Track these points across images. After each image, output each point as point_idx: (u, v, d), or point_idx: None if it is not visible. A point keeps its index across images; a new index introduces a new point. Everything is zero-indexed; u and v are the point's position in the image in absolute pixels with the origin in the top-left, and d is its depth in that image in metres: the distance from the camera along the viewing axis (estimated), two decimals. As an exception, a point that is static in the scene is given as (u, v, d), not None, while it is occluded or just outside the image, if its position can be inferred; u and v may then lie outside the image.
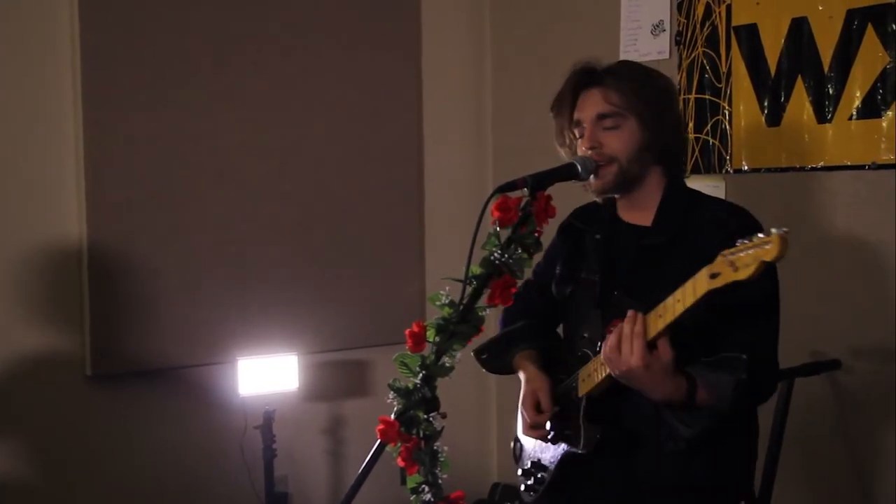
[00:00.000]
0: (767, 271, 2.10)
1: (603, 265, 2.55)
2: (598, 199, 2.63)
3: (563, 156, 2.57)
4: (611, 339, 2.25)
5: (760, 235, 1.95)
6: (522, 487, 2.68)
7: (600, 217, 2.63)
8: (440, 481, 2.12)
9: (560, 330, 2.78)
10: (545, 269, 2.78)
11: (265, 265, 4.12)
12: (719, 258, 2.04)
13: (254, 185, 4.10)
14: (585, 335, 2.50)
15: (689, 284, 2.11)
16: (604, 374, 2.35)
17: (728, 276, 2.01)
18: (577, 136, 2.53)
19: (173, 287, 3.91)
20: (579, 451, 2.43)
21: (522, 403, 2.59)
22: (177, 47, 3.92)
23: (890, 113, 3.26)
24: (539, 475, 2.62)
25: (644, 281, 2.43)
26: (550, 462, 2.59)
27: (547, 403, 2.53)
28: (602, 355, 2.29)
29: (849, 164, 3.39)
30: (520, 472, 2.71)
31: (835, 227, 3.46)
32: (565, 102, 2.55)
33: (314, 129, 4.26)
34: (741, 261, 1.98)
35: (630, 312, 2.23)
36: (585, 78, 2.53)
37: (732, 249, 2.01)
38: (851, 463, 3.45)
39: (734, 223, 2.39)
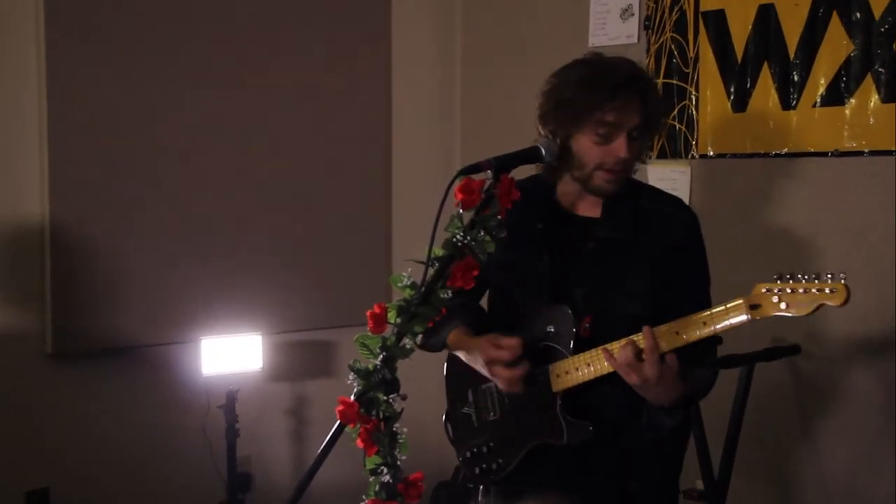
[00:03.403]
0: (700, 236, 2.52)
1: (552, 257, 2.55)
2: (531, 176, 2.61)
3: (557, 133, 2.50)
4: (626, 352, 2.28)
5: (829, 282, 2.08)
6: (476, 471, 2.67)
7: (532, 201, 2.52)
8: (399, 462, 2.12)
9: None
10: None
11: (230, 244, 4.11)
12: (760, 291, 2.14)
13: (219, 165, 4.08)
14: (551, 329, 2.49)
15: (720, 310, 2.20)
16: (589, 375, 2.39)
17: (771, 310, 2.12)
18: (600, 135, 2.45)
19: (136, 266, 3.89)
20: (563, 443, 2.46)
21: (485, 353, 2.50)
22: (142, 28, 3.89)
23: (853, 100, 3.28)
24: (499, 461, 2.61)
25: (604, 276, 2.47)
26: (509, 450, 2.59)
27: (509, 339, 2.47)
28: (615, 366, 2.32)
29: (812, 151, 3.41)
30: (468, 454, 2.69)
31: (798, 213, 3.49)
32: (610, 101, 2.43)
33: (281, 110, 4.24)
34: (796, 299, 2.10)
35: (645, 328, 2.28)
36: (632, 83, 2.46)
37: (778, 286, 2.12)
38: (810, 447, 3.48)
39: (684, 219, 2.55)
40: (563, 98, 2.49)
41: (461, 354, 2.65)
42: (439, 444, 4.72)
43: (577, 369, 2.42)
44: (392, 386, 2.11)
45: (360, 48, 4.47)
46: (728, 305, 2.19)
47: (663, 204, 2.57)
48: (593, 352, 2.39)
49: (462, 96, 4.80)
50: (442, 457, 4.69)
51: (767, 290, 2.14)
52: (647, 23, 3.90)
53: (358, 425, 2.09)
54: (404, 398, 2.14)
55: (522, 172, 2.35)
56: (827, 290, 2.07)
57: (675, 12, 3.79)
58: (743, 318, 2.16)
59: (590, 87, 2.46)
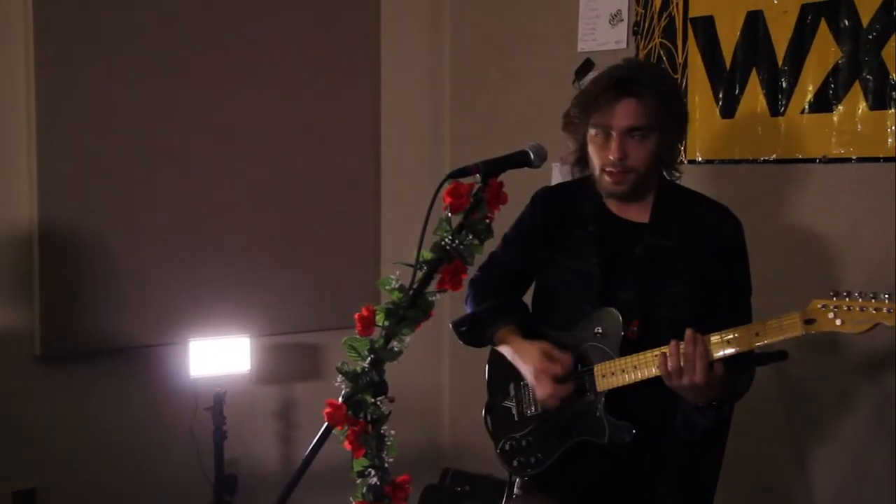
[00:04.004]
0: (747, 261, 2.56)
1: (602, 260, 2.59)
2: (579, 179, 2.70)
3: (571, 144, 2.66)
4: (674, 359, 2.35)
5: (886, 298, 2.11)
6: (515, 464, 2.71)
7: (582, 204, 2.68)
8: (387, 465, 2.12)
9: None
10: (515, 239, 2.82)
11: (218, 246, 4.10)
12: (817, 306, 2.19)
13: (208, 167, 4.08)
14: (599, 330, 2.54)
15: (773, 323, 2.24)
16: (636, 378, 2.45)
17: (826, 326, 2.17)
18: (598, 138, 2.55)
19: (125, 267, 3.88)
20: (603, 442, 2.51)
21: (537, 364, 2.58)
22: (131, 27, 3.88)
23: (841, 107, 3.30)
24: (538, 455, 2.65)
25: (651, 281, 2.53)
26: (548, 446, 2.64)
27: (567, 359, 2.57)
28: (660, 370, 2.38)
29: (800, 157, 3.43)
30: (507, 446, 2.73)
31: (786, 219, 3.50)
32: (595, 104, 2.54)
33: (270, 111, 4.24)
34: (852, 316, 2.14)
35: (689, 332, 2.34)
36: (623, 86, 2.52)
37: (835, 302, 2.16)
38: (796, 452, 3.49)
39: (728, 228, 2.59)
40: (570, 108, 2.63)
41: (506, 351, 2.72)
42: (428, 450, 4.77)
43: (624, 371, 2.48)
44: (380, 388, 2.12)
45: (350, 52, 4.47)
46: (783, 320, 2.23)
47: (709, 211, 2.62)
48: (640, 355, 2.45)
49: (451, 100, 4.80)
50: (430, 461, 4.72)
51: (823, 307, 2.19)
52: (636, 28, 3.91)
53: (346, 427, 2.10)
54: (392, 400, 2.15)
55: (520, 176, 2.37)
56: (885, 310, 2.10)
57: (663, 18, 3.80)
58: (797, 332, 2.21)
59: (584, 93, 2.60)
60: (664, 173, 2.66)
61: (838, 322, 2.16)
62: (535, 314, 2.79)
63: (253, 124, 4.19)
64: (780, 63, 3.45)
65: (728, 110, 3.61)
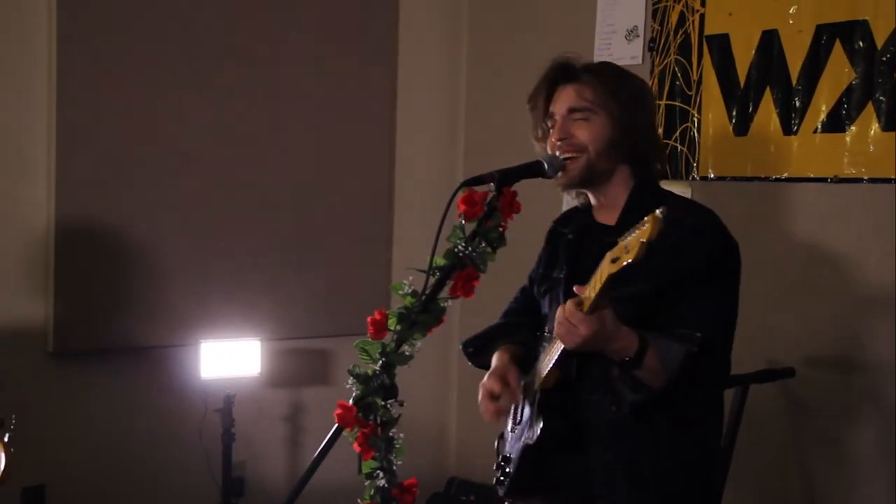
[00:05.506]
0: (723, 256, 2.47)
1: (569, 262, 2.60)
2: (578, 204, 2.69)
3: (538, 150, 2.62)
4: (557, 319, 2.29)
5: (644, 219, 2.04)
6: (494, 480, 2.72)
7: (577, 219, 2.69)
8: (395, 468, 2.15)
9: None
10: (535, 271, 2.84)
11: (232, 249, 4.13)
12: (619, 243, 2.12)
13: (223, 171, 4.11)
14: (547, 332, 2.56)
15: (599, 268, 2.18)
16: (551, 361, 2.41)
17: (622, 260, 2.09)
18: (550, 128, 2.57)
19: (139, 268, 3.92)
20: (531, 444, 2.48)
21: (485, 379, 2.59)
22: (152, 32, 3.92)
23: (854, 128, 3.32)
24: (507, 468, 2.66)
25: None
26: (515, 455, 2.63)
27: (514, 382, 2.55)
28: (556, 335, 2.33)
29: (812, 176, 3.45)
30: (495, 465, 2.74)
31: (796, 238, 3.52)
32: (541, 96, 2.60)
33: (286, 117, 4.27)
34: (629, 245, 2.07)
35: (570, 299, 2.28)
36: (562, 74, 2.58)
37: (626, 234, 2.10)
38: (802, 471, 3.50)
39: (691, 221, 2.47)
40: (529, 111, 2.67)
41: None
42: (435, 458, 4.78)
43: (545, 360, 2.46)
44: (390, 391, 2.15)
45: (367, 60, 4.50)
46: (602, 264, 2.16)
47: (686, 214, 2.52)
48: (554, 340, 2.40)
49: (466, 111, 4.83)
50: (436, 469, 4.73)
51: (620, 241, 2.12)
52: (651, 45, 3.94)
53: (355, 429, 2.13)
54: (402, 404, 2.17)
55: (525, 186, 2.39)
56: (643, 227, 2.04)
57: (679, 35, 3.83)
58: (608, 272, 2.13)
59: (534, 94, 2.65)
60: (641, 172, 2.59)
61: (625, 253, 2.07)
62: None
63: (268, 130, 4.23)
64: (794, 82, 3.47)
65: (741, 128, 3.63)
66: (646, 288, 2.39)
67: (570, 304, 2.26)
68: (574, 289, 2.26)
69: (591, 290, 2.21)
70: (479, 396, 2.59)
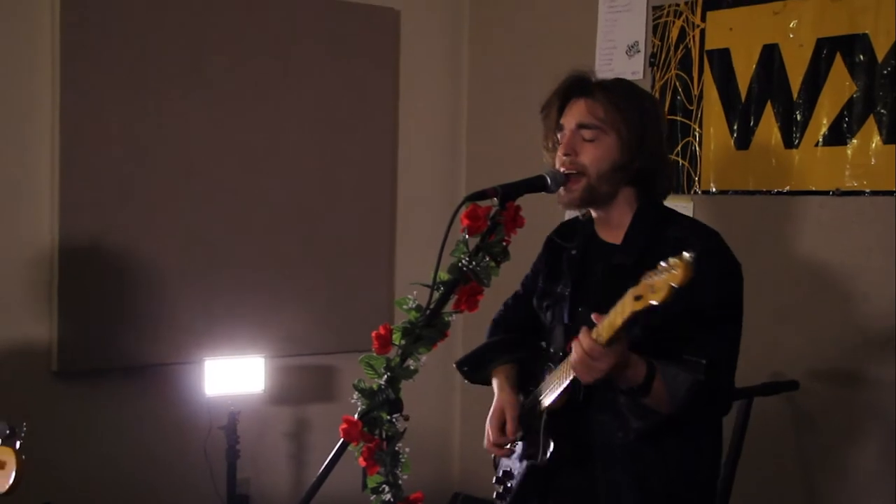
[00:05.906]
0: (728, 282, 2.43)
1: (574, 280, 2.59)
2: (580, 216, 2.68)
3: (546, 159, 2.61)
4: (574, 355, 2.26)
5: (672, 260, 2.02)
6: (494, 495, 2.72)
7: (579, 232, 2.67)
8: (400, 482, 2.15)
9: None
10: (531, 282, 2.82)
11: (235, 267, 4.14)
12: (642, 282, 2.08)
13: (226, 188, 4.13)
14: (551, 349, 2.56)
15: (620, 303, 2.14)
16: (560, 388, 2.39)
17: (647, 299, 2.06)
18: (559, 141, 2.56)
19: (143, 286, 3.93)
20: (543, 463, 2.47)
21: (489, 420, 2.64)
22: (155, 48, 3.95)
23: (855, 141, 3.33)
24: (508, 484, 2.66)
25: (610, 299, 2.45)
26: (517, 472, 2.63)
27: (512, 427, 2.58)
28: (571, 368, 2.30)
29: (814, 189, 3.46)
30: (494, 479, 2.75)
31: (798, 251, 3.52)
32: (554, 107, 2.59)
33: (288, 132, 4.29)
34: (656, 285, 2.04)
35: (584, 328, 2.25)
36: (577, 86, 2.57)
37: (652, 272, 2.07)
38: (806, 483, 3.50)
39: (697, 244, 2.36)
40: (542, 121, 2.66)
41: None
42: (439, 474, 4.77)
43: (552, 383, 2.45)
44: (395, 406, 2.15)
45: (369, 74, 4.52)
46: (623, 300, 2.12)
47: (682, 230, 2.51)
48: (564, 365, 2.39)
49: (468, 126, 4.84)
50: (440, 485, 4.73)
51: (644, 280, 2.09)
52: (652, 59, 3.96)
53: (361, 444, 2.13)
54: (407, 418, 2.17)
55: (526, 199, 2.39)
56: (673, 272, 2.02)
57: (680, 50, 3.84)
58: (630, 309, 2.10)
59: (547, 104, 2.63)
60: (648, 195, 2.58)
61: (651, 293, 2.05)
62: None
63: (272, 147, 4.24)
64: (794, 96, 3.48)
65: (742, 142, 3.64)
66: (655, 316, 2.35)
67: (587, 339, 2.22)
68: (592, 317, 2.23)
69: (609, 325, 2.18)
70: (485, 442, 2.66)
